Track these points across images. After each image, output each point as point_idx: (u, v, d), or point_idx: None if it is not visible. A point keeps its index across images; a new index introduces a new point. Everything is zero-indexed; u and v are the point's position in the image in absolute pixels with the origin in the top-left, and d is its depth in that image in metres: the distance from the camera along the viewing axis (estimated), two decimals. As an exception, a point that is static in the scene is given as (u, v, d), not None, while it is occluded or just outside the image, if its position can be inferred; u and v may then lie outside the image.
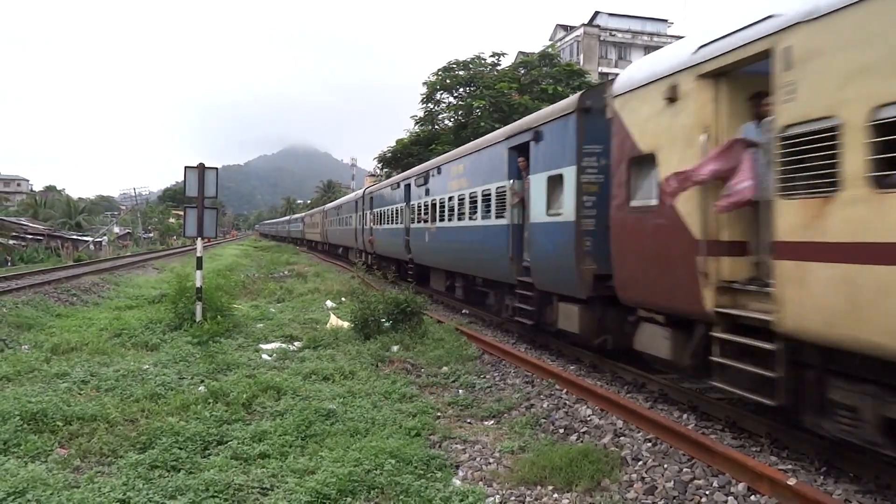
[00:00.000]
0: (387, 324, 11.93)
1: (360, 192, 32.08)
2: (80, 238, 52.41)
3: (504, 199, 11.87)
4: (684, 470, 5.63)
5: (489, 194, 12.72)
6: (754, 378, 5.60)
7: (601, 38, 63.51)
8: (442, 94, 40.33)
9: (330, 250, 45.48)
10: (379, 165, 48.68)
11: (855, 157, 4.52)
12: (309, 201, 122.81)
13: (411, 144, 41.41)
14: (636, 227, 7.48)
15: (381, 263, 24.85)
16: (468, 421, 7.39)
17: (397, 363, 9.76)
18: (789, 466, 5.65)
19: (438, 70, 39.57)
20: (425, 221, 17.55)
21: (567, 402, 7.87)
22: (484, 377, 9.34)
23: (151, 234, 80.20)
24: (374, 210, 25.93)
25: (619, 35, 64.30)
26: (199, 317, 12.24)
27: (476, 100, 36.78)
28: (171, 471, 5.43)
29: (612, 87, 8.14)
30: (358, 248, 31.05)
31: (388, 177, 38.26)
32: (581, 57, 60.46)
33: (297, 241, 71.69)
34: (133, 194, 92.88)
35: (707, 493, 5.20)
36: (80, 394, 7.69)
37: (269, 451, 5.90)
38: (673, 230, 6.66)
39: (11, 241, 39.27)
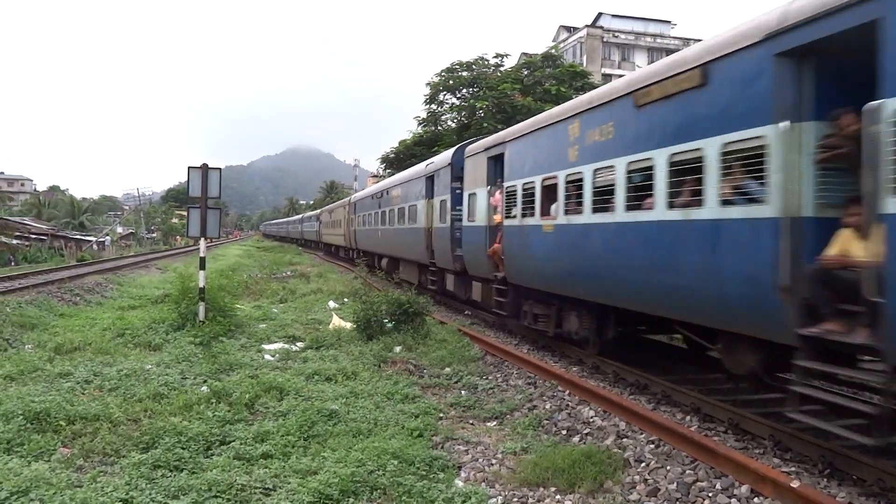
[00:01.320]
0: (389, 324, 11.94)
1: (442, 157, 17.13)
2: (83, 238, 52.58)
3: None
4: (687, 472, 5.62)
5: None
6: None
7: (604, 40, 63.43)
8: (445, 94, 40.35)
9: (357, 258, 28.12)
10: (382, 166, 48.68)
11: None
12: (312, 202, 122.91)
13: (414, 145, 41.41)
14: None
15: (536, 306, 11.11)
16: (471, 422, 7.39)
17: (400, 364, 9.76)
18: (793, 469, 5.63)
19: (442, 71, 39.63)
20: None
21: (570, 403, 7.87)
22: (486, 378, 9.34)
23: (154, 235, 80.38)
24: (524, 182, 10.93)
25: (623, 36, 64.22)
26: (201, 317, 12.26)
27: (479, 101, 36.77)
28: (173, 471, 5.43)
29: None
30: (435, 265, 17.07)
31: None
32: (584, 58, 60.40)
33: (310, 244, 60.39)
34: (136, 194, 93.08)
35: (710, 495, 5.19)
36: (83, 393, 7.71)
37: (272, 451, 5.91)
38: None
39: (15, 241, 39.37)
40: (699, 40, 7.35)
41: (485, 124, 33.77)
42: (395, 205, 21.98)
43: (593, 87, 30.76)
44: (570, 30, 66.78)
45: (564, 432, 6.92)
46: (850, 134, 5.16)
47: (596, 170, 8.55)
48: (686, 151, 6.67)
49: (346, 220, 35.25)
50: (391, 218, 22.56)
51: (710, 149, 6.29)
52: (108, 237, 60.00)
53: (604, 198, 8.39)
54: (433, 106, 40.98)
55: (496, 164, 12.56)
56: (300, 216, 76.90)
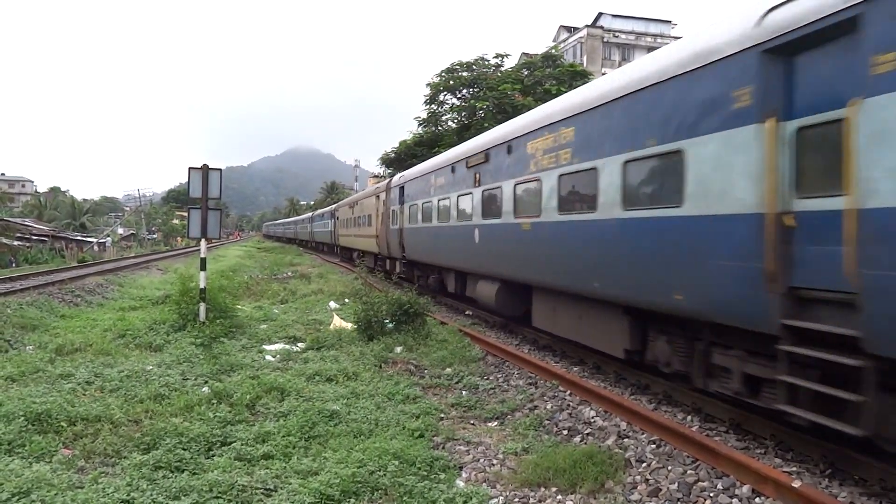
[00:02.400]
0: (390, 325, 11.93)
1: None
2: (84, 239, 52.66)
3: None
4: (688, 472, 5.61)
5: None
6: None
7: (604, 40, 63.46)
8: (445, 95, 40.38)
9: (413, 276, 19.68)
10: (382, 167, 48.73)
11: None
12: (313, 202, 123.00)
13: (415, 146, 41.44)
14: None
15: None
16: (472, 422, 7.38)
17: (401, 364, 9.75)
18: (794, 469, 5.63)
19: (442, 71, 39.66)
20: None
21: (571, 403, 7.86)
22: (487, 378, 9.33)
23: (155, 235, 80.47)
24: None
25: (623, 36, 64.23)
26: (202, 318, 12.26)
27: (479, 101, 36.80)
28: (174, 471, 5.43)
29: None
30: None
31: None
32: (584, 58, 60.45)
33: (322, 247, 51.94)
34: (137, 195, 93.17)
35: (711, 494, 5.18)
36: (84, 394, 7.71)
37: (273, 451, 5.91)
38: None
39: (16, 242, 39.41)
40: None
41: (485, 124, 33.84)
42: (539, 169, 10.17)
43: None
44: (571, 30, 66.80)
45: (565, 432, 6.92)
46: None
47: None
48: None
49: (379, 216, 23.73)
50: (518, 203, 10.99)
51: None
52: (108, 238, 60.06)
53: None
54: (433, 106, 41.03)
55: None
56: (309, 214, 65.45)
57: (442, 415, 7.48)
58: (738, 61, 5.89)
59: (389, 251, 22.18)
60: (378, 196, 24.76)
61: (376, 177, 62.27)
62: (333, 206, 46.12)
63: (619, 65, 61.54)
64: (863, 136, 4.64)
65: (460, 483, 5.49)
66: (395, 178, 22.27)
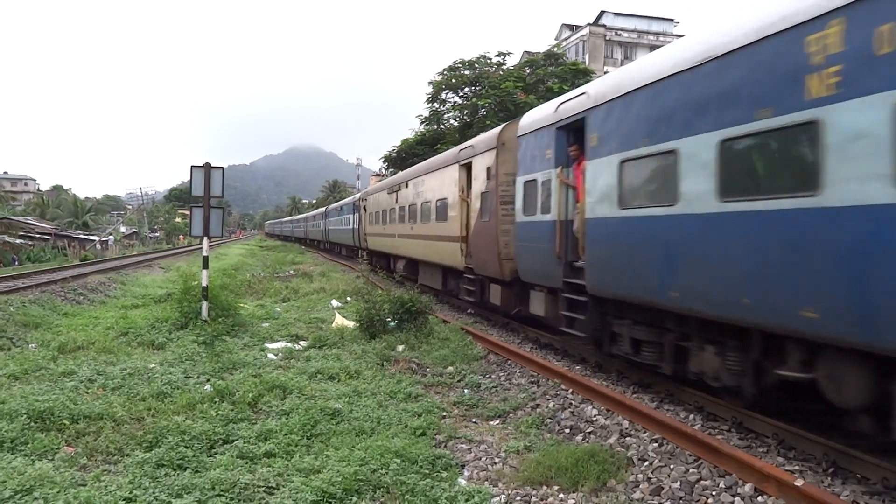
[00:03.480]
0: (392, 323, 11.94)
1: None
2: (86, 237, 52.78)
3: None
4: (691, 470, 5.60)
5: None
6: None
7: (607, 38, 63.39)
8: (447, 93, 40.36)
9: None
10: (384, 165, 48.69)
11: None
12: (315, 200, 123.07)
13: (417, 144, 41.42)
14: None
15: None
16: (474, 421, 7.38)
17: (403, 363, 9.76)
18: (796, 467, 5.62)
19: (444, 70, 39.65)
20: None
21: (573, 402, 7.85)
22: (489, 377, 9.33)
23: (157, 234, 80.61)
24: None
25: (625, 34, 64.16)
26: (204, 316, 12.27)
27: (482, 99, 36.76)
28: (177, 469, 5.44)
29: None
30: None
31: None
32: (587, 56, 60.39)
33: (337, 249, 44.20)
34: (139, 194, 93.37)
35: (714, 493, 5.17)
36: (86, 392, 7.72)
37: (275, 450, 5.91)
38: None
39: (19, 241, 39.52)
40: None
41: (487, 122, 33.82)
42: None
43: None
44: (573, 28, 66.72)
45: (567, 431, 6.91)
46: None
47: None
48: None
49: (469, 201, 14.16)
50: None
51: None
52: (111, 236, 60.18)
53: None
54: (436, 104, 41.02)
55: None
56: (323, 209, 55.42)
57: (444, 413, 7.48)
58: None
59: (508, 270, 11.88)
60: (467, 166, 14.24)
61: (378, 175, 62.00)
62: (358, 194, 35.50)
63: (622, 63, 61.47)
64: None
65: (462, 481, 5.49)
66: (545, 108, 10.61)
